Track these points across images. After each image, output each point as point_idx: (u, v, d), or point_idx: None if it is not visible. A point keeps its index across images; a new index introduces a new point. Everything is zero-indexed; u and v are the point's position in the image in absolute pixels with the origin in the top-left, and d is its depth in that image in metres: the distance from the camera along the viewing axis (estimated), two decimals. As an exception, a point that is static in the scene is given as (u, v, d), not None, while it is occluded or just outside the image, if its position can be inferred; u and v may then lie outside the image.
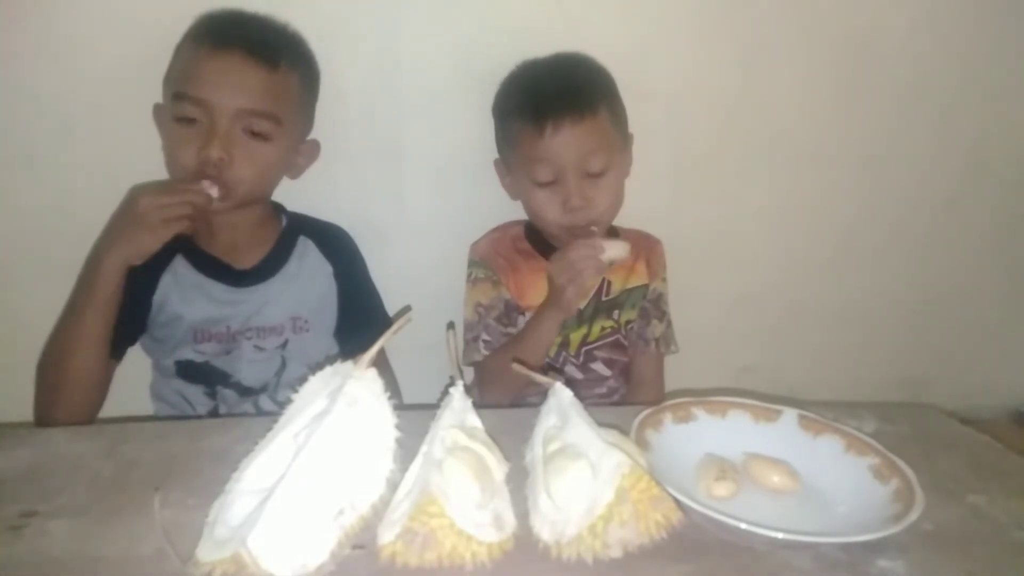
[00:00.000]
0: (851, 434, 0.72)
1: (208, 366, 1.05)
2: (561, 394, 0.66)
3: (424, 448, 0.62)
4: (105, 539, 0.58)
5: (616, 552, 0.54)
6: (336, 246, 1.15)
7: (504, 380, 1.10)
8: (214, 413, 1.06)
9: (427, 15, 1.15)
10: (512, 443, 0.66)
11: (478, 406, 0.66)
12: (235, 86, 0.95)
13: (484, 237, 1.20)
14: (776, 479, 0.69)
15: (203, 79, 0.95)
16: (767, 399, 0.78)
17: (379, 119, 1.20)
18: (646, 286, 1.19)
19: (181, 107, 0.95)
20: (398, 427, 0.61)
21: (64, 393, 0.95)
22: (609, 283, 1.17)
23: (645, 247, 1.21)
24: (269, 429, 0.62)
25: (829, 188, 1.36)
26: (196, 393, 1.06)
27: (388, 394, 0.62)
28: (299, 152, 1.09)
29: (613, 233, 1.20)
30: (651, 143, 1.18)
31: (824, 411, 0.77)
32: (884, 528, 0.58)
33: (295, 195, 1.15)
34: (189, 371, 1.06)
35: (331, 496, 0.56)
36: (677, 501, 0.57)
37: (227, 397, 1.07)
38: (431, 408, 0.65)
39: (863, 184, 1.37)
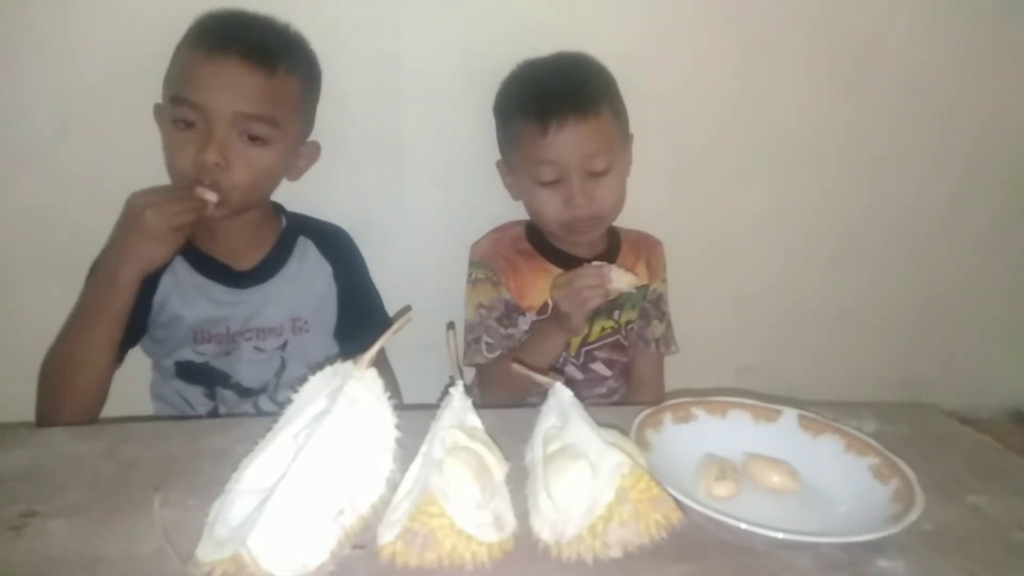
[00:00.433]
0: (851, 434, 0.72)
1: (208, 367, 1.05)
2: (561, 394, 0.66)
3: (424, 448, 0.62)
4: (105, 539, 0.58)
5: (616, 552, 0.54)
6: (336, 246, 1.15)
7: (507, 389, 1.10)
8: (214, 414, 1.06)
9: (427, 15, 1.15)
10: (512, 443, 0.66)
11: (478, 406, 0.66)
12: (231, 90, 0.95)
13: (484, 237, 1.20)
14: (776, 479, 0.69)
15: (200, 83, 0.94)
16: (767, 399, 0.78)
17: (379, 119, 1.20)
18: (646, 287, 1.19)
19: (178, 110, 0.95)
20: (398, 427, 0.61)
21: (72, 400, 0.95)
22: (609, 283, 1.17)
23: (645, 248, 1.21)
24: (269, 429, 0.62)
25: (829, 188, 1.36)
26: (196, 394, 1.06)
27: (388, 394, 0.62)
28: (299, 154, 1.08)
29: (615, 235, 1.20)
30: (651, 143, 1.18)
31: (824, 411, 0.77)
32: (884, 528, 0.58)
33: (295, 195, 1.15)
34: (189, 372, 1.06)
35: (331, 496, 0.56)
36: (677, 501, 0.57)
37: (227, 398, 1.07)
38: (431, 408, 0.65)
39: (863, 184, 1.37)
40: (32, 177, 1.12)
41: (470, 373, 1.20)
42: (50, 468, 0.69)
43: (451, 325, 0.74)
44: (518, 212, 1.21)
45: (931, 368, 1.49)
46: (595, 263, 1.00)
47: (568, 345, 1.16)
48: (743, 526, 0.57)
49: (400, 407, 0.62)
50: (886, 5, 1.27)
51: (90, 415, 0.97)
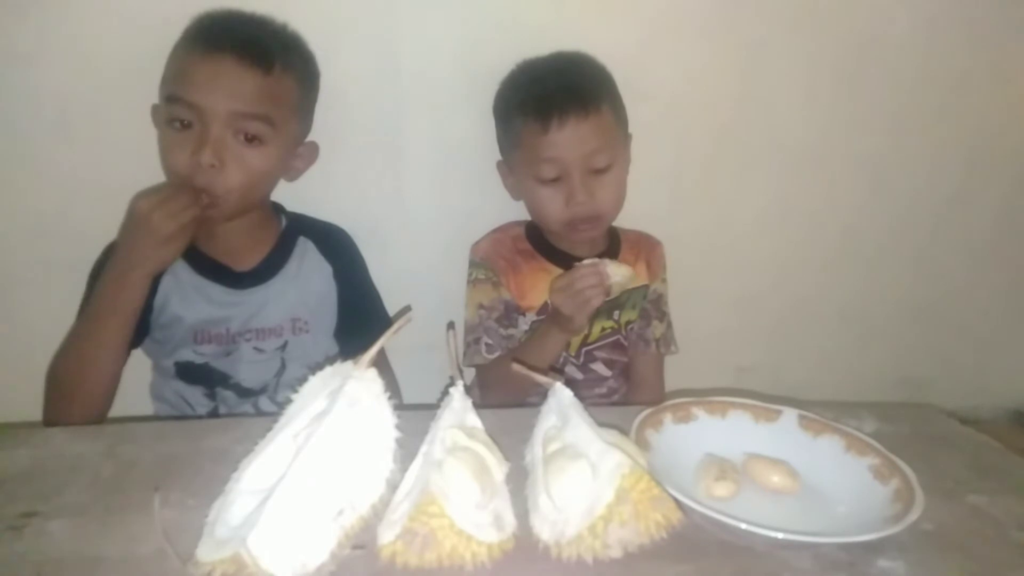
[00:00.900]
0: (851, 434, 0.72)
1: (208, 367, 1.05)
2: (561, 394, 0.66)
3: (424, 448, 0.62)
4: (105, 539, 0.58)
5: (616, 552, 0.54)
6: (336, 246, 1.15)
7: (507, 390, 1.10)
8: (213, 414, 1.06)
9: (427, 15, 1.15)
10: (512, 443, 0.66)
11: (478, 406, 0.66)
12: (227, 90, 0.94)
13: (485, 238, 1.20)
14: (776, 479, 0.68)
15: (195, 82, 0.94)
16: (767, 399, 0.78)
17: (379, 119, 1.20)
18: (646, 287, 1.19)
19: (174, 110, 0.95)
20: (398, 427, 0.61)
21: (82, 401, 0.95)
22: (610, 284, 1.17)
23: (645, 248, 1.21)
24: (269, 429, 0.61)
25: (829, 188, 1.36)
26: (196, 394, 1.06)
27: (388, 394, 0.62)
28: (296, 155, 1.08)
29: (615, 235, 1.20)
30: (651, 144, 1.19)
31: (824, 411, 0.77)
32: (884, 528, 0.58)
33: (295, 195, 1.15)
34: (188, 372, 1.06)
35: (331, 496, 0.56)
36: (677, 501, 0.57)
37: (227, 398, 1.07)
38: (431, 408, 0.65)
39: (863, 184, 1.37)
40: (32, 177, 1.12)
41: (470, 373, 1.20)
42: (50, 468, 0.69)
43: (451, 325, 0.74)
44: (518, 212, 1.21)
45: (931, 368, 1.49)
46: (588, 261, 0.99)
47: (568, 345, 1.16)
48: (743, 526, 0.57)
49: (400, 407, 0.62)
50: (886, 6, 1.27)
51: (99, 416, 0.97)
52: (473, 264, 1.18)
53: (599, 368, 1.18)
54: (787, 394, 0.88)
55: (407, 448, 0.61)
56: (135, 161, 1.07)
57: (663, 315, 1.21)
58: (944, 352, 1.50)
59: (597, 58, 1.15)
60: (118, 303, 0.94)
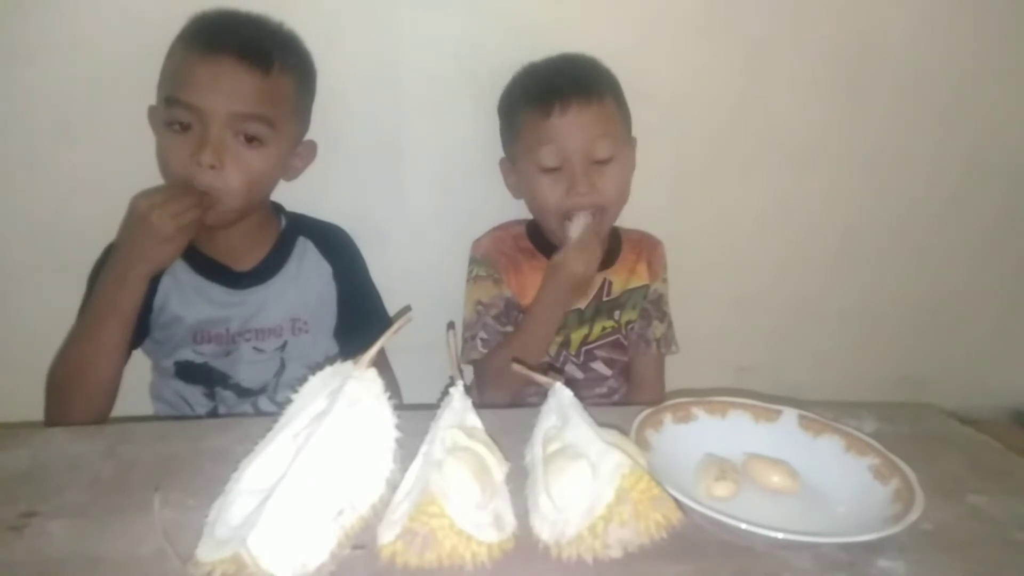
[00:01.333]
0: (851, 434, 0.72)
1: (207, 367, 1.05)
2: (561, 394, 0.66)
3: (424, 448, 0.61)
4: (105, 539, 0.58)
5: (616, 552, 0.54)
6: (335, 246, 1.14)
7: (504, 377, 1.09)
8: (213, 414, 1.06)
9: (427, 15, 1.15)
10: (512, 443, 0.66)
11: (478, 406, 0.66)
12: (227, 91, 0.94)
13: (486, 235, 1.20)
14: (776, 479, 0.68)
15: (194, 84, 0.94)
16: (767, 399, 0.78)
17: (379, 119, 1.20)
18: (647, 287, 1.19)
19: (173, 112, 0.95)
20: (398, 427, 0.61)
21: (83, 402, 0.95)
22: (610, 283, 1.17)
23: (646, 248, 1.21)
24: (269, 429, 0.61)
25: (829, 188, 1.36)
26: (195, 394, 1.06)
27: (388, 394, 0.62)
28: (295, 154, 1.08)
29: (615, 235, 1.20)
30: (651, 143, 1.18)
31: (824, 411, 0.77)
32: (884, 528, 0.58)
33: (295, 195, 1.15)
34: (188, 372, 1.06)
35: (331, 496, 0.56)
36: (677, 501, 0.57)
37: (226, 398, 1.07)
38: (431, 408, 0.65)
39: (863, 184, 1.37)
40: (32, 177, 1.12)
41: (470, 373, 1.20)
42: (50, 468, 0.69)
43: (451, 325, 0.74)
44: (518, 213, 1.21)
45: (931, 368, 1.49)
46: (578, 223, 1.05)
47: (568, 344, 1.16)
48: (743, 526, 0.56)
49: (400, 407, 0.62)
50: (886, 6, 1.27)
51: (100, 416, 0.97)
52: (474, 261, 1.18)
53: (599, 368, 1.18)
54: (787, 394, 0.88)
55: (407, 448, 0.61)
56: (135, 161, 1.06)
57: (664, 315, 1.21)
58: (944, 352, 1.50)
59: (597, 59, 1.15)
60: (117, 303, 0.94)
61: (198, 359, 1.05)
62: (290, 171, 1.10)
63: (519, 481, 0.63)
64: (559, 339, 1.15)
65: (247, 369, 1.06)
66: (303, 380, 0.64)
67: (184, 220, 0.91)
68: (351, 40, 1.15)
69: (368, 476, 0.59)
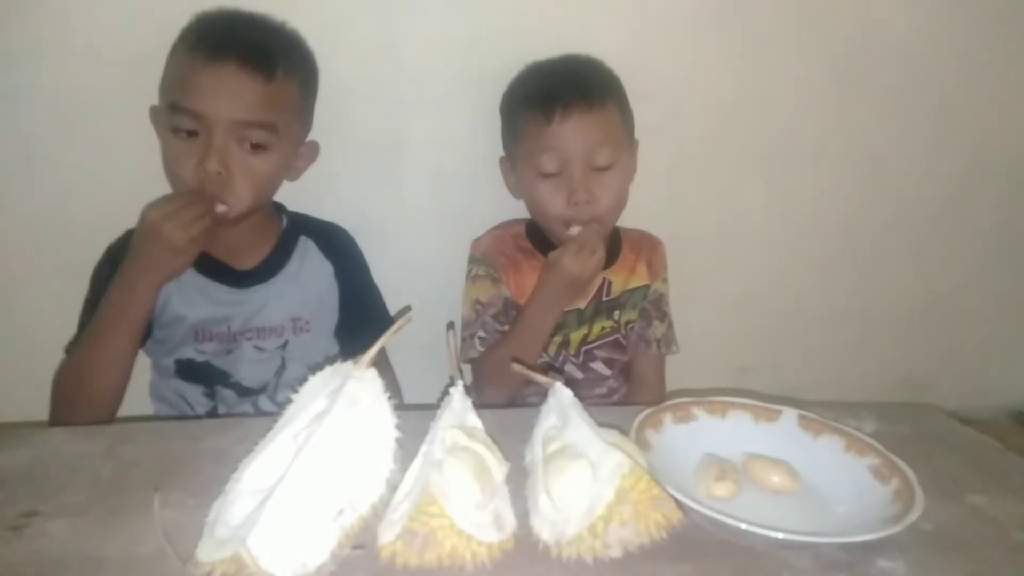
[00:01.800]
0: (851, 434, 0.72)
1: (208, 366, 1.05)
2: (561, 394, 0.66)
3: (424, 448, 0.61)
4: (105, 539, 0.58)
5: (616, 552, 0.54)
6: (336, 246, 1.15)
7: (501, 376, 1.09)
8: (213, 413, 1.06)
9: (427, 15, 1.15)
10: (512, 443, 0.66)
11: (478, 406, 0.66)
12: (230, 98, 0.94)
13: (486, 234, 1.20)
14: (776, 479, 0.68)
15: (198, 91, 0.93)
16: (767, 399, 0.78)
17: (379, 119, 1.20)
18: (647, 287, 1.19)
19: (177, 119, 0.94)
20: (398, 427, 0.61)
21: (90, 408, 0.95)
22: (610, 284, 1.17)
23: (647, 248, 1.21)
24: (269, 429, 0.61)
25: (829, 188, 1.36)
26: (195, 393, 1.06)
27: (388, 394, 0.62)
28: (298, 155, 1.08)
29: (615, 235, 1.20)
30: (651, 143, 1.18)
31: (824, 411, 0.77)
32: (884, 528, 0.58)
33: (295, 195, 1.15)
34: (189, 370, 1.06)
35: (331, 496, 0.56)
36: (677, 501, 0.57)
37: (226, 397, 1.07)
38: (431, 408, 0.65)
39: (863, 184, 1.37)
40: (32, 177, 1.12)
41: (470, 373, 1.20)
42: (50, 468, 0.69)
43: (451, 325, 0.74)
44: (518, 212, 1.21)
45: (931, 368, 1.49)
46: (573, 231, 1.05)
47: (568, 344, 1.16)
48: (743, 526, 0.57)
49: (400, 407, 0.62)
50: (885, 5, 1.27)
51: (106, 421, 0.97)
52: (474, 260, 1.18)
53: (599, 367, 1.18)
54: (787, 394, 0.88)
55: (407, 448, 0.61)
56: (135, 161, 1.07)
57: (664, 315, 1.21)
58: (944, 352, 1.50)
59: (600, 59, 1.15)
60: (127, 311, 0.94)
61: (199, 358, 1.05)
62: (293, 171, 1.10)
63: (519, 481, 0.63)
64: (558, 339, 1.15)
65: (248, 368, 1.06)
66: (304, 379, 0.64)
67: (195, 231, 0.91)
68: (351, 40, 1.15)
69: (368, 476, 0.59)
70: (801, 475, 0.69)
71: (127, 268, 0.94)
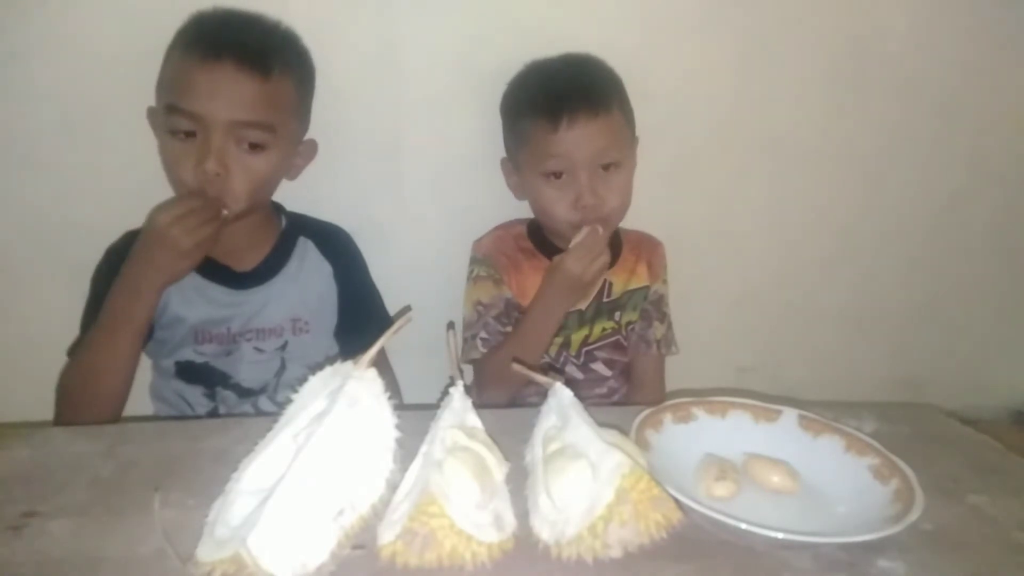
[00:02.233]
0: (851, 434, 0.72)
1: (208, 367, 1.05)
2: (561, 394, 0.66)
3: (424, 448, 0.61)
4: (105, 539, 0.58)
5: (616, 552, 0.54)
6: (336, 246, 1.15)
7: (503, 377, 1.09)
8: (213, 414, 1.07)
9: (427, 14, 1.15)
10: (512, 443, 0.66)
11: (478, 406, 0.66)
12: (227, 98, 0.93)
13: (487, 235, 1.20)
14: (776, 479, 0.68)
15: (194, 92, 0.93)
16: (767, 399, 0.78)
17: (379, 119, 1.20)
18: (647, 288, 1.19)
19: (174, 120, 0.94)
20: (398, 427, 0.61)
21: (94, 409, 0.95)
22: (610, 285, 1.17)
23: (647, 248, 1.21)
24: (269, 429, 0.61)
25: (829, 188, 1.36)
26: (195, 394, 1.06)
27: (388, 394, 0.62)
28: (296, 154, 1.08)
29: (616, 236, 1.20)
30: (651, 143, 1.18)
31: (824, 411, 0.77)
32: (884, 528, 0.58)
33: (295, 195, 1.15)
34: (188, 372, 1.06)
35: (331, 496, 0.56)
36: (677, 501, 0.57)
37: (226, 398, 1.07)
38: (431, 408, 0.65)
39: (863, 184, 1.37)
40: (32, 177, 1.12)
41: (470, 373, 1.20)
42: (50, 468, 0.69)
43: (451, 325, 0.74)
44: (518, 212, 1.21)
45: (931, 368, 1.49)
46: (584, 231, 1.04)
47: (569, 345, 1.16)
48: (743, 526, 0.56)
49: (400, 407, 0.62)
50: (886, 5, 1.27)
51: (112, 420, 0.97)
52: (475, 260, 1.18)
53: (599, 368, 1.18)
54: (787, 394, 0.88)
55: (407, 448, 0.61)
56: (135, 161, 1.07)
57: (664, 316, 1.21)
58: (944, 352, 1.50)
59: (600, 58, 1.15)
60: (131, 314, 0.94)
61: (199, 359, 1.05)
62: (292, 170, 1.10)
63: (519, 481, 0.63)
64: (559, 340, 1.15)
65: (248, 369, 1.06)
66: (303, 380, 0.64)
67: (201, 235, 0.91)
68: (351, 40, 1.14)
69: (368, 476, 0.59)
70: (801, 475, 0.69)
71: (130, 270, 0.94)
